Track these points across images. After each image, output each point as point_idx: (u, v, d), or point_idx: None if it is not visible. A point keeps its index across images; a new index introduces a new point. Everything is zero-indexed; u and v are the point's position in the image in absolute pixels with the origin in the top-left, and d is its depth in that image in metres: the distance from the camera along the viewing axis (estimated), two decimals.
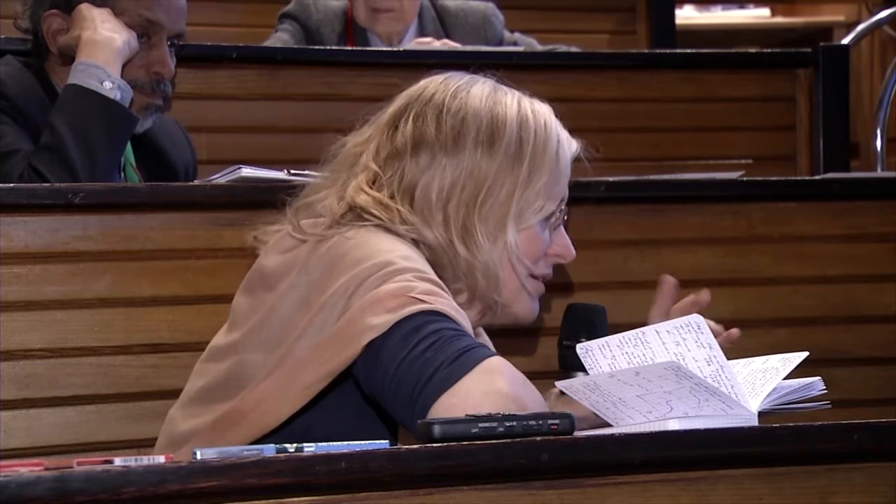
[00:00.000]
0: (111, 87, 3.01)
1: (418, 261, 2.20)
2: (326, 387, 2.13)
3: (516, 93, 2.37)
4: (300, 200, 2.36)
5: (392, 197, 2.28)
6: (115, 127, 3.02)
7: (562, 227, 2.39)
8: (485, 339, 2.43)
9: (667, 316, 2.57)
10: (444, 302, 2.12)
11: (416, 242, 2.26)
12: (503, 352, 2.09)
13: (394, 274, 2.13)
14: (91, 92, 3.00)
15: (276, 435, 2.13)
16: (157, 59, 3.15)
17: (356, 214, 2.26)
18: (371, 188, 2.28)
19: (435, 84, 2.37)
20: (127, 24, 3.11)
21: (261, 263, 2.30)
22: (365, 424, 2.21)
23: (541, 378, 2.23)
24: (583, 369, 2.09)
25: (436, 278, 2.18)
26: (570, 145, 2.38)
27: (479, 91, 2.35)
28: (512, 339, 2.90)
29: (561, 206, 2.36)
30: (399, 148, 2.31)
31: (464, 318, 2.14)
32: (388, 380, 2.08)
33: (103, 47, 3.04)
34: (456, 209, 2.28)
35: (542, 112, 2.36)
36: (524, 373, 2.09)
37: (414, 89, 2.37)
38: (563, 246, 2.39)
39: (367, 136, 2.36)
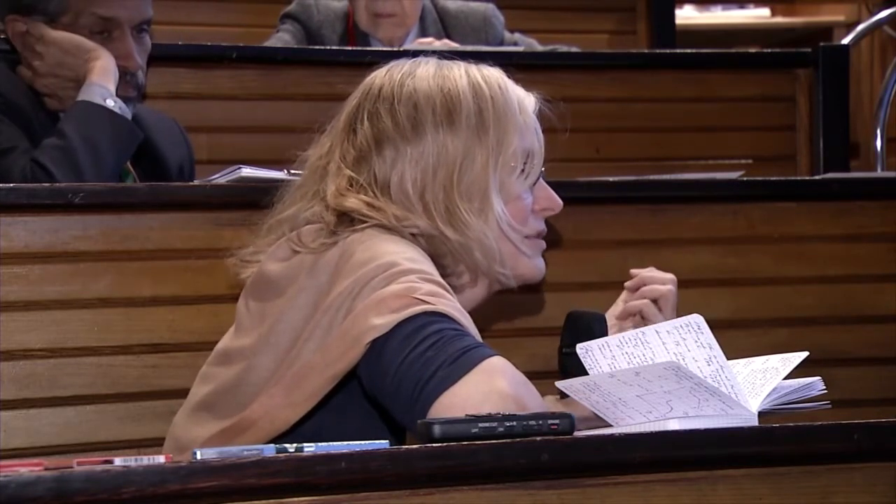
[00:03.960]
0: (113, 104, 3.11)
1: (423, 262, 2.20)
2: (334, 388, 2.13)
3: (462, 64, 2.35)
4: (272, 218, 2.36)
5: (375, 197, 2.27)
6: (122, 138, 3.11)
7: (542, 180, 2.38)
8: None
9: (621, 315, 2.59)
10: (448, 303, 2.11)
11: (414, 237, 2.25)
12: (503, 352, 2.09)
13: (398, 275, 2.12)
14: (99, 106, 3.09)
15: (286, 439, 2.12)
16: (121, 53, 3.22)
17: (350, 219, 2.26)
18: (350, 192, 2.28)
19: (380, 77, 2.35)
20: (84, 24, 3.21)
21: (265, 270, 2.29)
22: (374, 425, 2.21)
23: (541, 378, 2.23)
24: (583, 375, 2.09)
25: (440, 280, 2.18)
26: (529, 100, 2.37)
27: (425, 72, 2.33)
28: (512, 338, 2.90)
29: (535, 161, 2.35)
30: (363, 149, 2.30)
31: (467, 320, 2.14)
32: (389, 379, 2.08)
33: (105, 72, 3.13)
34: (434, 195, 2.27)
35: (493, 76, 2.35)
36: (524, 373, 2.09)
37: (361, 88, 2.36)
38: (548, 198, 2.38)
39: (327, 146, 2.35)
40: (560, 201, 2.38)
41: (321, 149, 2.36)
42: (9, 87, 3.16)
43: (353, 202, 2.26)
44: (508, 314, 2.92)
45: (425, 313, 2.08)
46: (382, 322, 2.07)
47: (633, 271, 2.61)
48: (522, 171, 2.32)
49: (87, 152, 3.00)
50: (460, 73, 2.33)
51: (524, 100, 2.35)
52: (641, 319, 2.57)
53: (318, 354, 2.14)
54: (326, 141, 2.36)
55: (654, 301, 2.55)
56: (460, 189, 2.27)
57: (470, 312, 2.19)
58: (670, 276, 2.59)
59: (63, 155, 2.98)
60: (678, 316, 1.97)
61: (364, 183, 2.28)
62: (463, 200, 2.27)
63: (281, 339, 2.21)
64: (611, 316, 2.60)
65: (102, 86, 3.10)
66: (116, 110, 3.09)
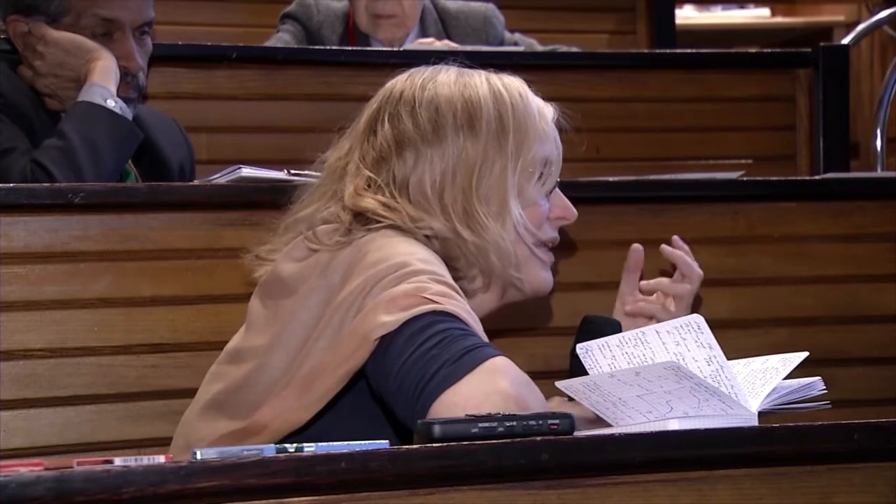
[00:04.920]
0: (114, 105, 3.11)
1: (435, 264, 2.21)
2: (342, 390, 2.14)
3: (482, 72, 2.39)
4: (290, 217, 2.38)
5: (392, 198, 2.28)
6: (122, 139, 3.10)
7: (557, 189, 2.40)
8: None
9: (635, 286, 2.60)
10: (456, 304, 2.12)
11: (428, 239, 2.27)
12: (504, 352, 2.09)
13: (409, 275, 2.13)
14: (100, 107, 3.08)
15: (293, 439, 2.12)
16: (122, 55, 3.22)
17: (366, 219, 2.27)
18: (368, 192, 2.29)
19: (401, 82, 2.38)
20: (86, 24, 3.21)
21: (278, 269, 2.30)
22: (380, 426, 2.21)
23: (541, 378, 2.23)
24: None
25: (451, 282, 2.19)
26: (549, 109, 2.40)
27: (446, 78, 2.36)
28: (512, 338, 2.90)
29: (552, 169, 2.37)
30: (383, 151, 2.32)
31: (475, 321, 2.15)
32: (392, 377, 2.08)
33: (106, 72, 3.13)
34: (453, 197, 2.29)
35: (513, 84, 2.37)
36: (525, 373, 2.09)
37: (382, 92, 2.39)
38: (563, 207, 2.41)
39: (347, 147, 2.37)
40: (575, 211, 2.41)
41: (340, 150, 2.38)
42: (10, 87, 3.16)
43: (369, 202, 2.28)
44: (509, 314, 2.91)
45: (433, 312, 2.09)
46: (391, 320, 2.08)
47: (666, 249, 2.64)
48: (540, 177, 2.35)
49: (86, 152, 3.00)
50: (481, 80, 2.36)
51: (543, 108, 2.38)
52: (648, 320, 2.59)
53: (329, 353, 2.14)
54: (346, 143, 2.38)
55: (674, 297, 2.59)
56: (479, 192, 2.29)
57: (482, 320, 2.19)
58: (699, 273, 2.61)
59: (63, 155, 2.98)
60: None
61: (382, 183, 2.30)
62: (481, 203, 2.29)
63: (292, 338, 2.22)
64: (621, 314, 2.61)
65: (103, 86, 3.10)
66: (117, 110, 3.09)
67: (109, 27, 3.21)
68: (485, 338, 2.13)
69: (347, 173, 2.33)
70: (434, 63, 2.42)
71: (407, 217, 2.26)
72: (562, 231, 2.45)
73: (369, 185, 2.30)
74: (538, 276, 2.38)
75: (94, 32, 3.20)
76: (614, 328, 2.51)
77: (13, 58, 3.23)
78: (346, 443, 1.71)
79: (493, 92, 2.34)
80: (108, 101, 3.09)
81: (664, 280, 2.65)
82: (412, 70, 2.40)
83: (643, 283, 2.66)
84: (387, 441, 1.75)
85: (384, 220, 2.26)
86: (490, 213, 2.29)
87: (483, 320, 2.22)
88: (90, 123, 3.05)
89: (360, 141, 2.35)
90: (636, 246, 2.63)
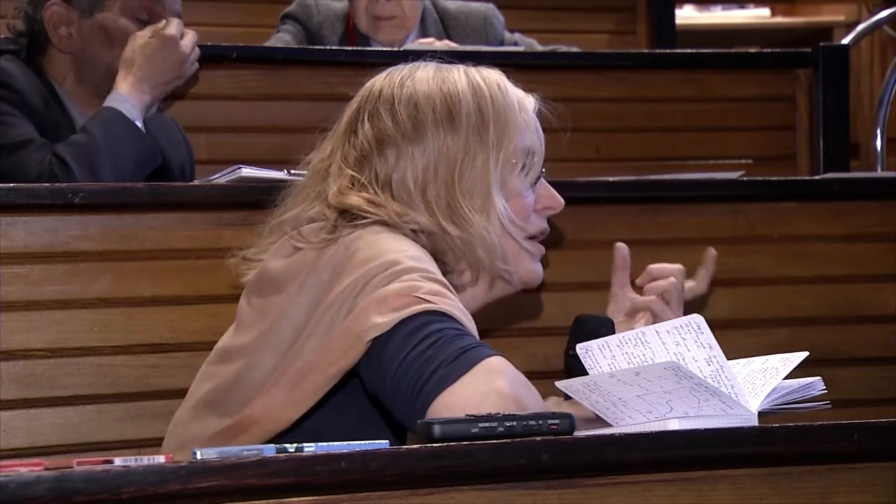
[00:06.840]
0: (141, 125, 3.18)
1: (425, 261, 2.20)
2: (335, 387, 2.14)
3: (461, 66, 2.38)
4: (275, 218, 2.38)
5: (376, 194, 2.28)
6: (144, 159, 3.17)
7: (543, 179, 2.39)
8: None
9: (625, 287, 2.59)
10: (449, 303, 2.12)
11: (415, 233, 2.26)
12: (503, 352, 2.09)
13: (400, 273, 2.13)
14: (130, 121, 3.15)
15: (286, 438, 2.12)
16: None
17: (352, 215, 2.27)
18: (352, 190, 2.29)
19: (380, 81, 2.38)
20: (135, 6, 3.29)
21: (267, 267, 2.30)
22: (374, 424, 2.21)
23: (541, 378, 2.23)
24: None
25: (442, 279, 2.18)
26: (529, 100, 2.39)
27: (424, 74, 2.36)
28: (511, 338, 2.90)
29: (535, 159, 2.36)
30: (364, 150, 2.32)
31: (468, 319, 2.14)
32: (389, 378, 2.08)
33: (142, 97, 3.21)
34: (436, 192, 2.29)
35: (492, 77, 2.37)
36: (524, 373, 2.09)
37: (361, 92, 2.39)
38: (549, 197, 2.40)
39: (329, 149, 2.37)
40: (561, 200, 2.40)
41: (323, 152, 2.38)
42: (24, 84, 3.19)
43: (354, 199, 2.28)
44: (508, 314, 2.92)
45: (426, 312, 2.09)
46: (384, 320, 2.08)
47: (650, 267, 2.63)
48: (523, 168, 2.34)
49: (109, 159, 3.04)
50: (459, 75, 2.35)
51: (524, 99, 2.37)
52: (652, 317, 2.58)
53: (320, 353, 2.14)
54: (328, 145, 2.38)
55: (661, 296, 2.57)
56: (462, 186, 2.29)
57: (472, 314, 2.19)
58: (677, 267, 2.60)
59: (85, 154, 3.03)
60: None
61: (365, 181, 2.30)
62: (465, 197, 2.28)
63: (282, 336, 2.21)
64: (618, 313, 2.61)
65: (135, 106, 3.16)
66: (143, 131, 3.16)
67: (153, 10, 3.31)
68: (477, 336, 2.13)
69: (330, 174, 2.33)
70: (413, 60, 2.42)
71: (392, 213, 2.26)
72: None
73: (353, 184, 2.30)
74: (528, 267, 2.37)
75: (136, 18, 3.29)
76: (608, 328, 2.51)
77: (30, 52, 3.27)
78: (346, 443, 1.71)
79: (471, 85, 2.34)
80: (138, 121, 3.16)
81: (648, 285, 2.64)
82: (390, 68, 2.40)
83: (638, 279, 2.65)
84: (387, 441, 1.75)
85: (370, 216, 2.26)
86: (474, 206, 2.29)
87: (474, 315, 2.22)
88: (117, 133, 3.10)
89: (342, 142, 2.35)
90: (620, 244, 2.62)
